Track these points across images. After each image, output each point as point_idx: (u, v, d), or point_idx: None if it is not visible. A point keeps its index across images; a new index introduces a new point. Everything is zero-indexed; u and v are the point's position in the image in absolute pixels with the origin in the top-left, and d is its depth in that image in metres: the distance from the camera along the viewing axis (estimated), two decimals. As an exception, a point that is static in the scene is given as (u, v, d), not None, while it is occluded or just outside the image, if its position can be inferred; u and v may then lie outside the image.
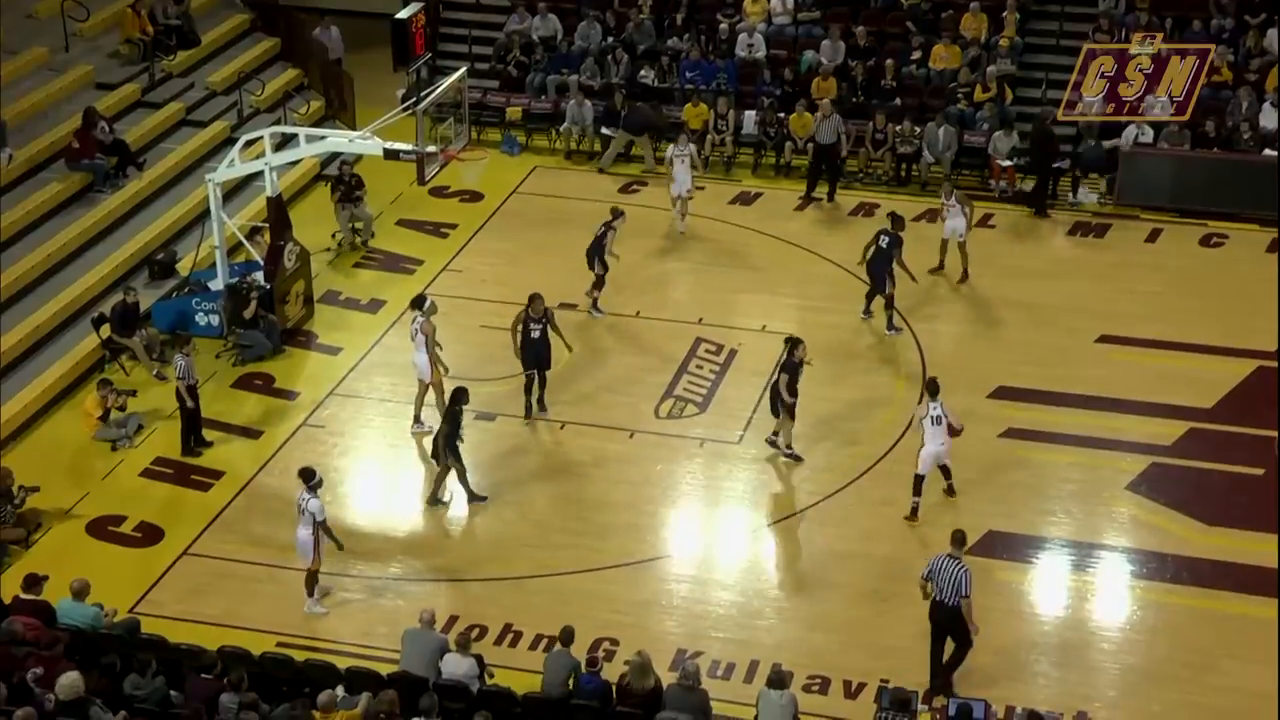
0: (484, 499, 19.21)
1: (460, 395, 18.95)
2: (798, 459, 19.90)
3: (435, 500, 19.26)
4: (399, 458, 20.39)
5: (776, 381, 19.61)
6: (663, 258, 24.70)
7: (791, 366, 19.48)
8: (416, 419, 20.59)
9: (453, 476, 19.15)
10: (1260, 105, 26.63)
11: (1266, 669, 16.33)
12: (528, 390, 20.81)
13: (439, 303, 20.93)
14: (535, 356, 20.52)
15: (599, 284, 23.08)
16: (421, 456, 20.20)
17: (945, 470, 19.03)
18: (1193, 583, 17.92)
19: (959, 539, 16.08)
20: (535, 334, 20.42)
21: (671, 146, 25.65)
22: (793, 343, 19.54)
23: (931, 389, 18.79)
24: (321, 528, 17.13)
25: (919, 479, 18.74)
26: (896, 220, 22.72)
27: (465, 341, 21.99)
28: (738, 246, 25.49)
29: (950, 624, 15.90)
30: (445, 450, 18.90)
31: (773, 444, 19.99)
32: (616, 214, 23.31)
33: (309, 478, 17.23)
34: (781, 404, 19.65)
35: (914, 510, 18.84)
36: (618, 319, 23.22)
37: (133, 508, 19.29)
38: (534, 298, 20.47)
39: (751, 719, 14.83)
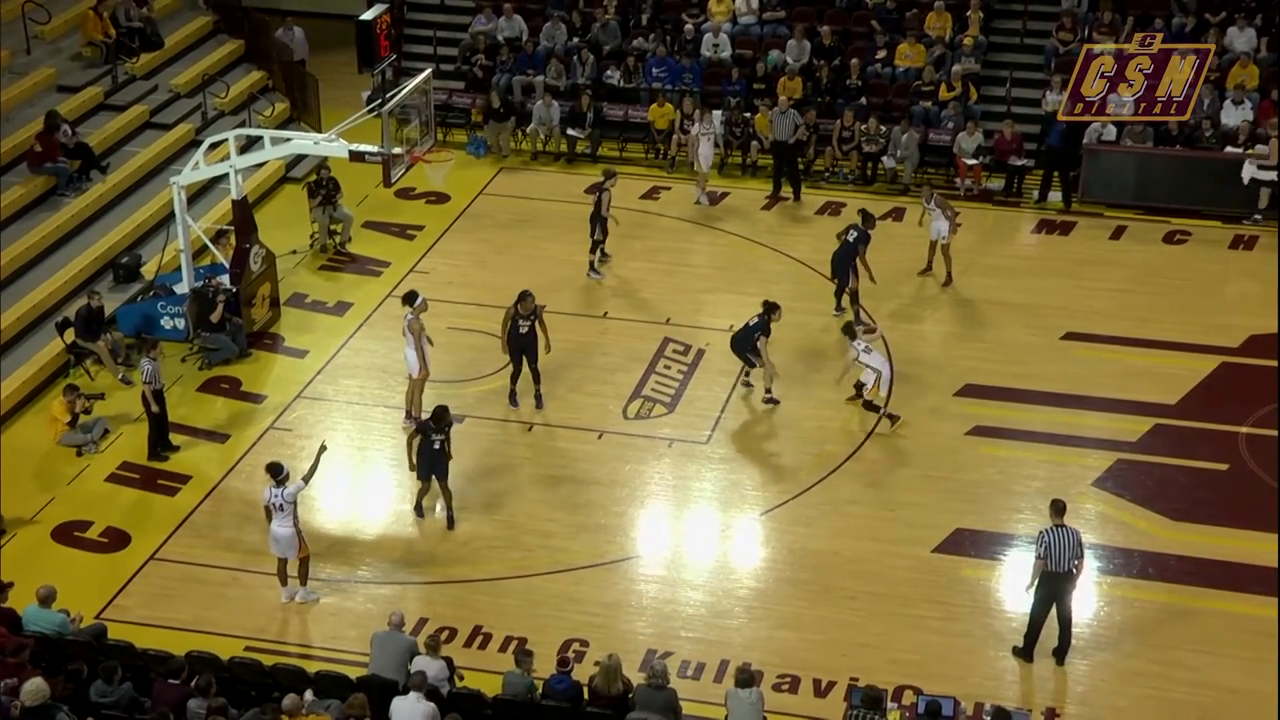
0: (421, 518, 19.00)
1: (439, 414, 18.53)
2: (775, 402, 20.83)
3: (419, 510, 19.07)
4: (367, 460, 20.32)
5: (755, 339, 20.45)
6: (629, 258, 24.70)
7: (766, 328, 20.46)
8: (408, 414, 20.52)
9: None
10: (1221, 103, 26.78)
11: (1234, 663, 16.50)
12: (514, 379, 21.00)
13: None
14: (520, 350, 20.77)
15: (593, 248, 23.82)
16: (393, 458, 20.17)
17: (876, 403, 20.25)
18: (1159, 578, 18.02)
19: (1060, 508, 16.34)
20: (523, 329, 20.61)
21: (696, 125, 26.40)
22: (770, 307, 20.52)
23: (849, 332, 20.56)
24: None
25: (871, 402, 20.50)
26: (867, 218, 22.85)
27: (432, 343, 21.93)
28: (704, 246, 25.52)
29: (1063, 589, 16.26)
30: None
31: (769, 401, 20.88)
32: (608, 175, 23.88)
33: (276, 472, 17.19)
34: (755, 358, 20.62)
35: (891, 417, 20.49)
36: (585, 320, 23.23)
37: (99, 513, 19.19)
38: (524, 295, 20.63)
39: (722, 718, 14.84)
